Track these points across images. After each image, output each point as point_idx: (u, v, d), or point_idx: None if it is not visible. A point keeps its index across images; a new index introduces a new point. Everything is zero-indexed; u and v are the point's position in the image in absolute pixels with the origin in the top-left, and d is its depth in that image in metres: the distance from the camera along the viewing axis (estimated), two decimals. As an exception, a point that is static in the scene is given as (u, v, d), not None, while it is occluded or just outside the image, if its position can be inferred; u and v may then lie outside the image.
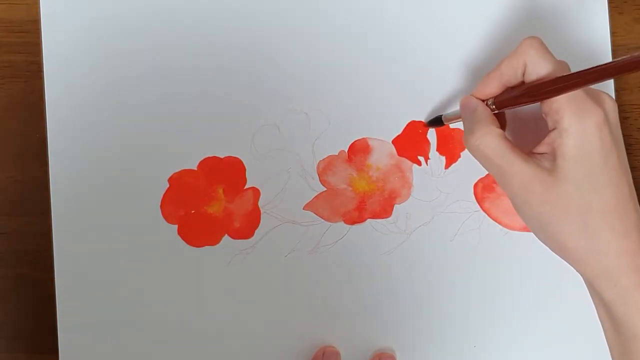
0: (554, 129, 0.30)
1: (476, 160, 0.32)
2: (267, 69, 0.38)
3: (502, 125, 0.36)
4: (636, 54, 0.25)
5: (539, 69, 0.30)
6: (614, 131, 0.30)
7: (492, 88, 0.32)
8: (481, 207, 0.38)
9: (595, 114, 0.29)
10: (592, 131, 0.29)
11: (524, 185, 0.30)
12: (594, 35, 0.38)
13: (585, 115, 0.29)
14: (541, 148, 0.31)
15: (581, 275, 0.31)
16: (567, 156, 0.29)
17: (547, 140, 0.30)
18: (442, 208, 0.38)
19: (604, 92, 0.31)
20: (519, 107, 0.31)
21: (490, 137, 0.31)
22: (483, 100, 0.33)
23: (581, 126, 0.29)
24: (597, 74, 0.27)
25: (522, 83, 0.31)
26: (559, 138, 0.29)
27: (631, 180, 0.31)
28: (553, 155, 0.30)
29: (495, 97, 0.32)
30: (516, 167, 0.30)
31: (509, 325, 0.38)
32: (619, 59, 0.26)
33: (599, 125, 0.29)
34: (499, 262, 0.38)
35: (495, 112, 0.33)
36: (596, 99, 0.30)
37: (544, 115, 0.31)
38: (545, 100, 0.30)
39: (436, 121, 0.37)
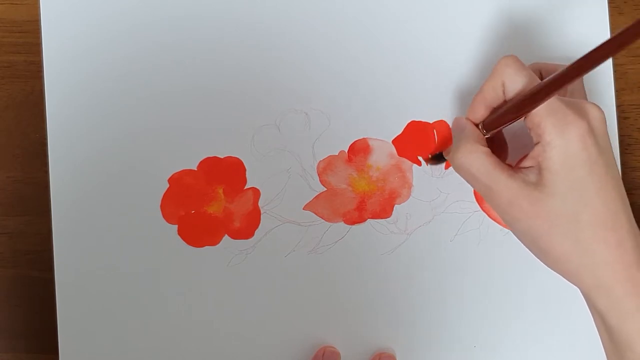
0: (538, 142, 0.30)
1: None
2: (267, 69, 0.38)
3: (503, 146, 0.36)
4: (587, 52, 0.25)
5: (515, 85, 0.30)
6: (600, 141, 0.29)
7: (480, 111, 0.33)
8: (481, 207, 0.38)
9: (577, 125, 0.29)
10: (576, 143, 0.29)
11: (511, 201, 0.30)
12: (594, 35, 0.38)
13: (567, 128, 0.29)
14: (527, 162, 0.31)
15: (577, 287, 0.31)
16: (552, 169, 0.29)
17: (532, 154, 0.30)
18: (442, 208, 0.38)
19: (589, 102, 0.30)
20: (506, 126, 0.31)
21: (474, 155, 0.31)
22: (476, 125, 0.33)
23: (564, 139, 0.29)
24: (560, 80, 0.27)
25: (505, 102, 0.31)
26: (543, 152, 0.29)
27: (623, 189, 0.30)
28: (539, 169, 0.30)
29: (483, 121, 0.33)
30: (501, 184, 0.30)
31: (509, 326, 0.38)
32: (573, 62, 0.26)
33: (582, 136, 0.29)
34: (499, 262, 0.38)
35: (487, 135, 0.33)
36: (579, 110, 0.29)
37: (528, 130, 0.31)
38: (527, 116, 0.30)
39: (438, 157, 0.37)
